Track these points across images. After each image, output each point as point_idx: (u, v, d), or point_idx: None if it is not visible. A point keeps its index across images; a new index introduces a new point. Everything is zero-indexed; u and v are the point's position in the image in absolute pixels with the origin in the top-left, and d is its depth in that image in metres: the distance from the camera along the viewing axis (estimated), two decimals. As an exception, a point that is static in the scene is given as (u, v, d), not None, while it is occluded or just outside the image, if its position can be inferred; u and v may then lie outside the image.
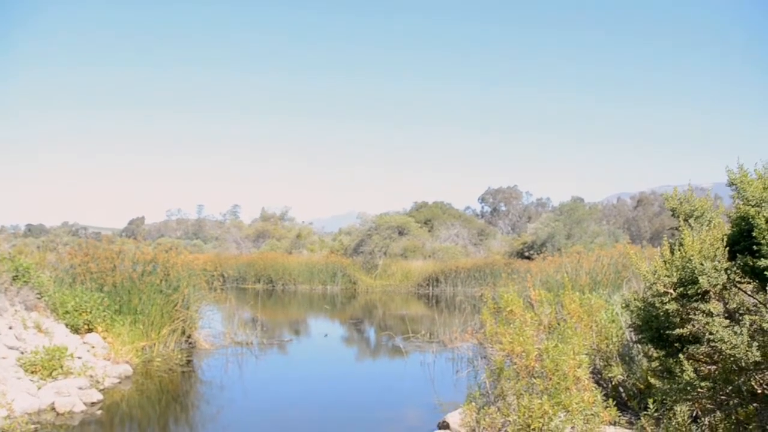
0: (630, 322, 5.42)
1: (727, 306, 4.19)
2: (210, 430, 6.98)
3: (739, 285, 4.20)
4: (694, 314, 4.05)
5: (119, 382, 8.50)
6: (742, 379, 3.93)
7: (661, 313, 4.31)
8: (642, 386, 6.09)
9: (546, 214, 35.53)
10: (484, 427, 5.01)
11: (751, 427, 4.09)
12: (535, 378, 4.92)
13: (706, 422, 4.46)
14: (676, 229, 4.73)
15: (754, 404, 4.08)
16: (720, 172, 4.36)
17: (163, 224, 77.90)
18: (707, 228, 4.62)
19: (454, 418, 6.19)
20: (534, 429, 4.50)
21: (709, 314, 4.03)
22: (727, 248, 4.20)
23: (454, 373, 9.56)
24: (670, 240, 4.65)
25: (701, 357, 4.19)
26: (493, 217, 53.24)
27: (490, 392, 5.52)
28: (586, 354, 5.42)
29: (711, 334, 3.90)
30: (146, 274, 11.00)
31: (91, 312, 9.83)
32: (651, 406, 4.76)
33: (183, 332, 11.30)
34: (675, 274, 4.21)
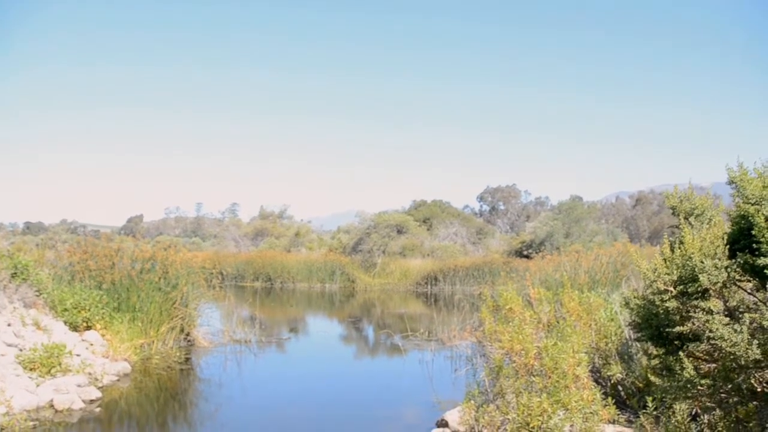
0: (629, 320, 5.42)
1: (727, 304, 4.19)
2: (208, 427, 6.97)
3: (739, 283, 4.20)
4: (694, 312, 4.05)
5: (118, 380, 8.49)
6: (741, 377, 3.93)
7: (661, 311, 4.31)
8: (641, 385, 6.09)
9: (545, 213, 35.51)
10: (482, 425, 5.01)
11: (750, 425, 4.09)
12: (534, 376, 4.92)
13: (706, 420, 4.46)
14: (677, 227, 4.73)
15: (754, 402, 4.08)
16: (719, 172, 4.36)
17: (161, 222, 77.79)
18: (707, 226, 4.61)
19: (452, 417, 6.18)
20: (533, 427, 4.50)
21: (710, 312, 4.03)
22: (727, 246, 4.20)
23: (453, 371, 9.56)
24: (671, 238, 4.65)
25: (701, 355, 4.19)
26: (492, 216, 53.23)
27: (489, 390, 5.51)
28: (585, 352, 5.42)
29: (711, 331, 3.90)
30: (145, 272, 10.99)
31: (89, 309, 9.81)
32: (650, 405, 4.76)
33: (182, 330, 11.29)
34: (675, 271, 4.21)
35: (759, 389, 4.04)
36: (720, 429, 4.27)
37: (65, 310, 9.71)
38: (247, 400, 8.24)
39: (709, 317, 3.95)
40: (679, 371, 4.12)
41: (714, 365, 4.13)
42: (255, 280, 27.30)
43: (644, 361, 6.11)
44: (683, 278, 4.18)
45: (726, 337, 3.79)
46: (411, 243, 30.27)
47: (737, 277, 4.13)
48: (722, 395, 4.15)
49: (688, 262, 4.13)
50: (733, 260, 4.06)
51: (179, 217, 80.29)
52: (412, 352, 11.39)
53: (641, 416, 4.92)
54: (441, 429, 6.21)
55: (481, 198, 56.03)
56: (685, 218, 4.85)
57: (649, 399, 4.83)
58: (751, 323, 3.90)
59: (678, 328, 4.16)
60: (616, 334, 6.78)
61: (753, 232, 3.88)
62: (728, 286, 4.16)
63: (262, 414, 7.57)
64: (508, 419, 4.80)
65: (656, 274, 4.29)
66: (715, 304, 4.11)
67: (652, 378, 4.82)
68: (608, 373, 6.31)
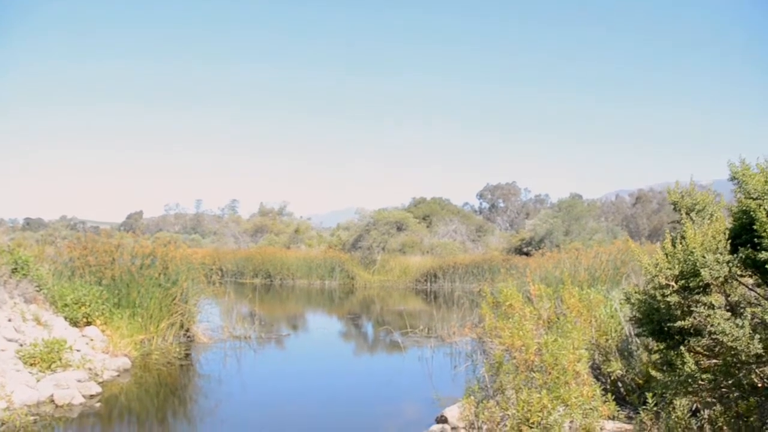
0: (630, 316, 5.41)
1: (729, 299, 4.19)
2: (208, 423, 6.97)
3: (740, 278, 4.20)
4: (696, 307, 4.04)
5: (118, 375, 8.49)
6: (743, 372, 3.93)
7: (663, 306, 4.30)
8: (641, 381, 6.09)
9: (544, 211, 35.49)
10: (482, 421, 5.01)
11: (751, 420, 4.09)
12: (534, 372, 4.92)
13: (706, 416, 4.46)
14: (678, 222, 4.72)
15: (755, 397, 4.08)
16: (719, 170, 4.36)
17: (161, 219, 77.69)
18: (709, 222, 4.61)
19: (452, 413, 6.19)
20: (533, 423, 4.49)
21: (711, 307, 4.03)
22: (729, 241, 4.20)
23: (452, 368, 9.57)
24: (672, 233, 4.64)
25: (702, 350, 4.18)
26: (492, 214, 53.21)
27: (488, 386, 5.51)
28: (586, 349, 5.42)
29: (712, 326, 3.89)
30: (145, 268, 10.99)
31: (89, 305, 9.81)
32: (650, 400, 4.75)
33: (181, 326, 11.29)
34: (677, 266, 4.20)
35: (760, 384, 4.03)
36: (720, 424, 4.27)
37: (65, 305, 9.71)
38: (247, 396, 8.24)
39: (711, 312, 3.95)
40: (680, 366, 4.11)
41: (715, 360, 4.12)
42: (254, 277, 27.30)
43: (644, 357, 6.11)
44: (685, 273, 4.17)
45: (727, 332, 3.79)
46: (410, 240, 30.27)
47: (739, 272, 4.12)
48: (723, 390, 4.15)
49: (689, 257, 4.12)
50: (735, 255, 4.06)
51: (179, 214, 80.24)
52: (412, 348, 11.40)
53: (641, 412, 4.92)
54: (440, 425, 6.21)
55: (480, 195, 56.02)
56: (687, 214, 4.84)
57: (649, 395, 4.82)
58: (752, 318, 3.89)
59: (679, 323, 4.15)
60: (616, 331, 6.77)
61: (755, 227, 3.88)
62: (730, 281, 4.16)
63: (262, 410, 7.58)
64: (508, 415, 4.80)
65: (658, 268, 4.28)
66: (717, 298, 4.10)
67: (653, 373, 4.81)
68: (608, 370, 6.31)
